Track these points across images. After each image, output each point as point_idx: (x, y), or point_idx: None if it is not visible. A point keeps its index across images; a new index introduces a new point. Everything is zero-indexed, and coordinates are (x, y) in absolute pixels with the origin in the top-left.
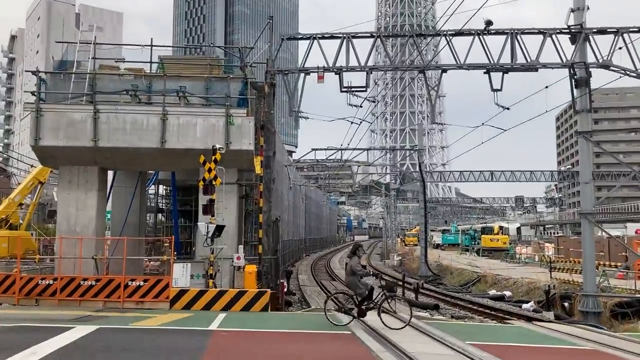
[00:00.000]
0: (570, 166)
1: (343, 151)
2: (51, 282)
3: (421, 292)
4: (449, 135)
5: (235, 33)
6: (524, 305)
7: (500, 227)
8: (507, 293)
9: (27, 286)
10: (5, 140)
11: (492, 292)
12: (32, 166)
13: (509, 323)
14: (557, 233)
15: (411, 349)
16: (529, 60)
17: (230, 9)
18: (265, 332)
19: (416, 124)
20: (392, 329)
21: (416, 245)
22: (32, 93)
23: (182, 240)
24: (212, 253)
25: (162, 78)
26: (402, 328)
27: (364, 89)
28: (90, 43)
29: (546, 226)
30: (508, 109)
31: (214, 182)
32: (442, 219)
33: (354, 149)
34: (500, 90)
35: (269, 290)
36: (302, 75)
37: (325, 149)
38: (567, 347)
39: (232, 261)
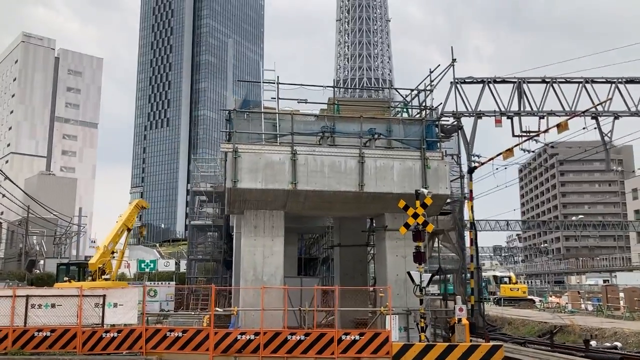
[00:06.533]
0: (536, 215)
1: None
2: (252, 337)
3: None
4: None
5: (202, 81)
6: None
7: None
8: (618, 344)
9: (223, 342)
10: None
11: (592, 343)
12: (1, 213)
13: None
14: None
15: None
16: None
17: (196, 57)
18: None
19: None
20: None
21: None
22: (228, 133)
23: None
24: (422, 304)
25: (347, 119)
26: None
27: (538, 134)
28: (274, 82)
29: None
30: None
31: (421, 228)
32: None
33: None
34: None
35: (502, 344)
36: (474, 119)
37: None
38: None
39: (453, 313)
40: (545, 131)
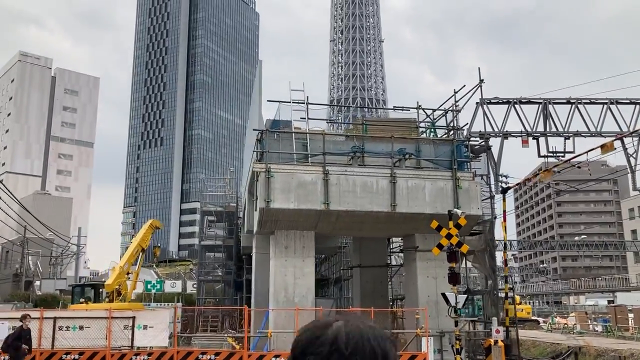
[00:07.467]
0: (532, 236)
1: None
2: None
3: None
4: None
5: (197, 101)
6: None
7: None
8: None
9: None
10: None
11: None
12: None
13: None
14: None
15: None
16: None
17: (191, 77)
18: None
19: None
20: None
21: None
22: (260, 152)
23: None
24: (457, 326)
25: (376, 139)
26: None
27: (564, 154)
28: (303, 103)
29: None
30: None
31: (455, 249)
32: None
33: None
34: None
35: None
36: (500, 139)
37: None
38: None
39: (490, 334)
40: (588, 152)
